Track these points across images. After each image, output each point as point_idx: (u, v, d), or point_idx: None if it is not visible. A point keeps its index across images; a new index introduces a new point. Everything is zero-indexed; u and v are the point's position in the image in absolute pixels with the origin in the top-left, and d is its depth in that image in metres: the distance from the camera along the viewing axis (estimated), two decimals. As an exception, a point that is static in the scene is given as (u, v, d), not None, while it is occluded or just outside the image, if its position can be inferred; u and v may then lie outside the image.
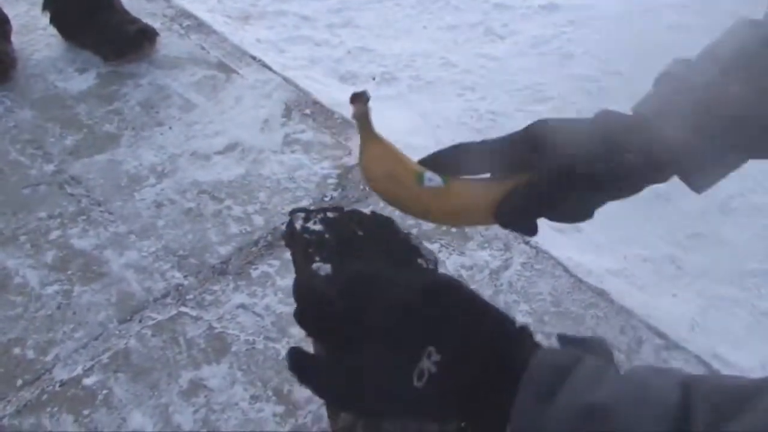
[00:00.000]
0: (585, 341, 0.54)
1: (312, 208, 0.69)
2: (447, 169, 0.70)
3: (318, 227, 0.66)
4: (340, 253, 0.64)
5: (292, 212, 0.67)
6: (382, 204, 1.60)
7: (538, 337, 0.52)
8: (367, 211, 0.68)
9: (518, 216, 0.72)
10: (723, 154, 0.69)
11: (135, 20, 2.04)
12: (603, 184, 0.69)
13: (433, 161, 0.71)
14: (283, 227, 1.58)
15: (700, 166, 0.70)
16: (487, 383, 0.49)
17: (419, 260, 0.64)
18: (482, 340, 0.50)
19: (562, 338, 0.55)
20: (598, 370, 0.49)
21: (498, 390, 0.49)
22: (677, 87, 0.70)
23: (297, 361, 0.55)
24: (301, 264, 0.65)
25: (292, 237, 0.67)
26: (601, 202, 0.73)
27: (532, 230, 0.75)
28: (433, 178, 0.68)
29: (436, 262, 0.65)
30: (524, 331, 0.53)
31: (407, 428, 0.64)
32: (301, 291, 0.53)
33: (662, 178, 0.72)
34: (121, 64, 2.00)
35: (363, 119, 0.69)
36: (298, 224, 0.66)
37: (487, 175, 0.72)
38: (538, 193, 0.70)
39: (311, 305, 0.53)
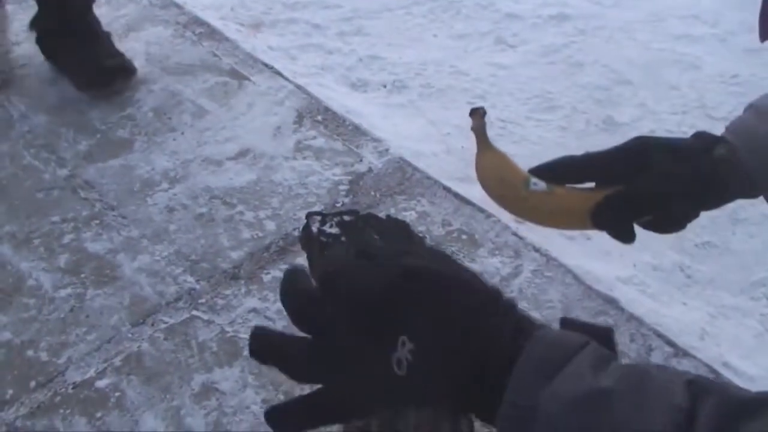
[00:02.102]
0: (590, 327, 0.53)
1: (327, 211, 0.70)
2: (552, 178, 0.78)
3: (334, 230, 0.67)
4: (357, 257, 0.65)
5: (308, 215, 0.68)
6: (393, 210, 1.61)
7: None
8: (381, 215, 0.70)
9: (613, 219, 0.78)
10: None
11: (116, 54, 1.99)
12: (695, 191, 0.76)
13: (541, 170, 0.79)
14: (295, 232, 1.59)
15: None
16: (469, 366, 0.49)
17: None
18: (453, 325, 0.50)
19: (566, 322, 0.53)
20: (603, 356, 0.49)
21: (486, 371, 0.49)
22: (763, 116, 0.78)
23: (263, 342, 0.55)
24: (317, 267, 0.66)
25: (308, 240, 0.68)
26: (694, 214, 0.80)
27: (628, 236, 0.80)
28: (538, 183, 0.77)
29: (451, 265, 0.66)
30: (511, 311, 0.52)
31: (420, 427, 0.65)
32: (284, 285, 0.55)
33: (750, 190, 0.78)
34: (93, 96, 1.96)
35: (480, 131, 0.80)
36: (315, 227, 0.67)
37: (590, 185, 0.80)
38: (634, 199, 0.76)
39: (292, 298, 0.54)
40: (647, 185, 0.76)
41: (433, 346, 0.50)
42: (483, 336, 0.50)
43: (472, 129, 0.80)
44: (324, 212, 0.69)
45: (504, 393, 0.47)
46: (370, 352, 0.51)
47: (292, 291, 0.54)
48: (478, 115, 0.78)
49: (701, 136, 0.79)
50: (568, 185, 0.79)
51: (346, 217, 0.68)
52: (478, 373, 0.49)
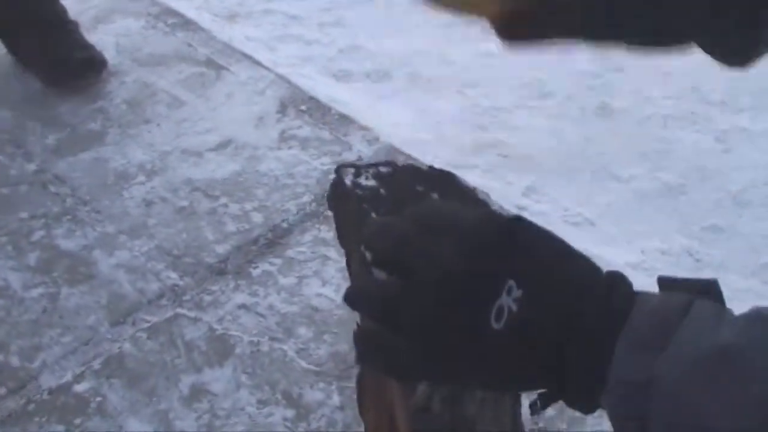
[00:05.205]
0: (691, 283, 0.46)
1: (360, 162, 0.62)
2: None
3: (371, 182, 0.59)
4: (399, 209, 0.56)
5: (339, 168, 0.60)
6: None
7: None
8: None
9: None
10: None
11: (87, 46, 1.86)
12: None
13: None
14: (284, 224, 1.50)
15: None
16: (576, 327, 0.42)
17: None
18: (569, 275, 0.44)
19: (664, 280, 0.47)
20: (717, 310, 0.42)
21: (591, 336, 0.42)
22: None
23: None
24: (356, 221, 0.57)
25: (340, 194, 0.59)
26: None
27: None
28: None
29: (506, 217, 0.57)
30: (618, 275, 0.46)
31: (485, 402, 0.57)
32: (377, 224, 0.46)
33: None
34: (61, 89, 1.83)
35: None
36: (348, 180, 0.58)
37: None
38: None
39: (384, 236, 0.45)
40: None
41: (546, 293, 0.43)
42: (595, 295, 0.43)
43: None
44: (356, 164, 0.60)
45: (605, 367, 0.41)
46: (470, 298, 0.43)
47: (382, 232, 0.46)
48: None
49: None
50: None
51: (383, 168, 0.59)
52: (579, 339, 0.42)
